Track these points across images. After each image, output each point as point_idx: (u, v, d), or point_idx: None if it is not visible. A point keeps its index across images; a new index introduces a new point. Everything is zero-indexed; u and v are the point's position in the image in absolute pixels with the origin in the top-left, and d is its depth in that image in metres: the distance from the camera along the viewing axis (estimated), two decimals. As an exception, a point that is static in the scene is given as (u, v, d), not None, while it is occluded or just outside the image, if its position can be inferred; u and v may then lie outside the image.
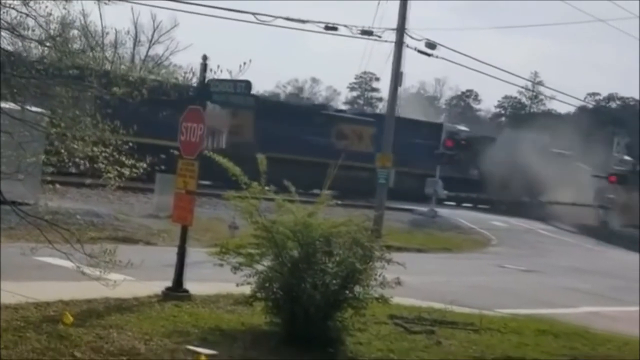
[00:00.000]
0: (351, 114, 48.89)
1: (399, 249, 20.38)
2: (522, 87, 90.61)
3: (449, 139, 40.41)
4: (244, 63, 12.01)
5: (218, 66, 12.72)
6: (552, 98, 78.73)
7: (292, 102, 71.57)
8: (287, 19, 28.69)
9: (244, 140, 34.79)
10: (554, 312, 16.32)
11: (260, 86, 68.81)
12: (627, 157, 52.44)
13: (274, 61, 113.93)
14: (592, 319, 15.96)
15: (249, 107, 20.28)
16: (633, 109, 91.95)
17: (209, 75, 13.24)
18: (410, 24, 30.84)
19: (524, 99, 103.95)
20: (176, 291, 12.37)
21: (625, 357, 12.03)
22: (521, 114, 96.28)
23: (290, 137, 37.56)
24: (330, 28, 30.30)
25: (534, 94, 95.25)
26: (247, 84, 13.19)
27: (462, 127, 51.58)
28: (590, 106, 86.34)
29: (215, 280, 12.01)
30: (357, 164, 34.36)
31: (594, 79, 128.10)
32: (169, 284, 12.49)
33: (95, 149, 9.37)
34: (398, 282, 10.25)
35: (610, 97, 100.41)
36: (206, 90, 13.37)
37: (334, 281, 10.09)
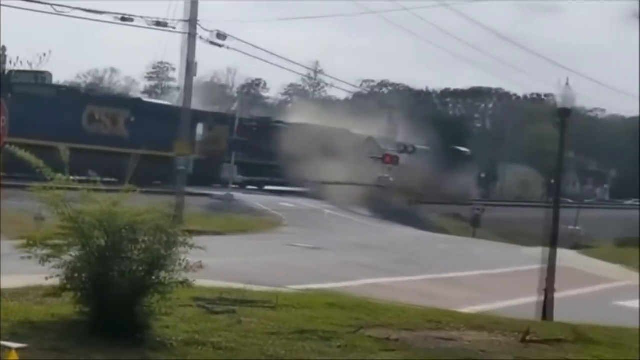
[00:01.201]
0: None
1: (199, 233, 20.38)
2: (306, 76, 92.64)
3: (240, 127, 40.78)
4: (44, 54, 11.68)
5: (18, 57, 12.30)
6: (331, 85, 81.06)
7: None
8: (85, 10, 27.96)
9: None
10: (340, 285, 16.97)
11: (62, 76, 65.76)
12: (399, 140, 54.95)
13: (74, 52, 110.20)
14: (373, 290, 16.73)
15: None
16: (402, 95, 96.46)
17: (9, 67, 12.74)
18: (205, 15, 30.91)
19: (307, 87, 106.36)
20: (-18, 285, 11.81)
21: (404, 324, 12.65)
22: (305, 101, 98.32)
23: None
24: (126, 19, 29.80)
25: (316, 81, 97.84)
26: (48, 75, 12.82)
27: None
28: (365, 92, 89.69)
29: (24, 272, 11.55)
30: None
31: (369, 66, 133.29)
32: (-25, 279, 11.90)
33: None
34: (200, 266, 10.28)
35: (383, 84, 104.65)
36: (6, 82, 12.85)
37: (140, 268, 9.97)
